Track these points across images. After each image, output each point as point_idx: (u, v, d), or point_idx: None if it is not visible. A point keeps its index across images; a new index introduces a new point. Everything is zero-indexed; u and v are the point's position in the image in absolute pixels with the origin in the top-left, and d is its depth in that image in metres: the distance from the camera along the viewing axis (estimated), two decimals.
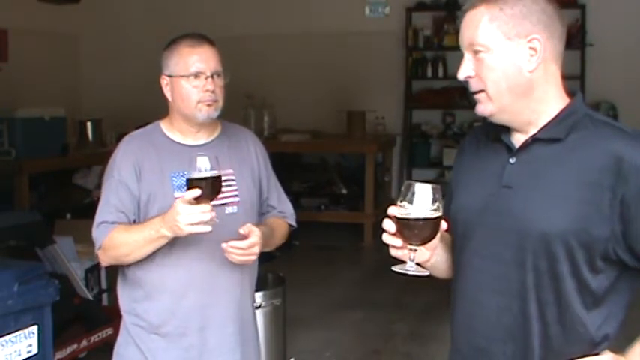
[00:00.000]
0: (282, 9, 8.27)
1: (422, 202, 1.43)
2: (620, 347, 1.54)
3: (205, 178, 1.90)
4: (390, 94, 8.15)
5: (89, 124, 6.93)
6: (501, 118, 1.55)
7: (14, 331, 2.96)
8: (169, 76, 2.16)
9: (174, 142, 2.17)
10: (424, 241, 1.46)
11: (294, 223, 2.41)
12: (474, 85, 1.54)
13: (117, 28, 8.43)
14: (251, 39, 8.13)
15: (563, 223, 1.46)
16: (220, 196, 2.09)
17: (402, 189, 1.45)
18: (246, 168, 2.26)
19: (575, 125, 1.51)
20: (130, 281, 2.21)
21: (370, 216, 7.29)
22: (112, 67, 8.37)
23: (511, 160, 1.55)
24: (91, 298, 4.28)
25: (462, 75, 1.54)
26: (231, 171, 2.18)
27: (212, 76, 2.12)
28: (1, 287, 2.92)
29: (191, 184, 1.90)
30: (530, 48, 1.49)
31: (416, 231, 1.44)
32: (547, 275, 1.49)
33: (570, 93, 1.59)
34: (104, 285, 4.79)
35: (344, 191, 7.72)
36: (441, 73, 8.02)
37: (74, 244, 4.53)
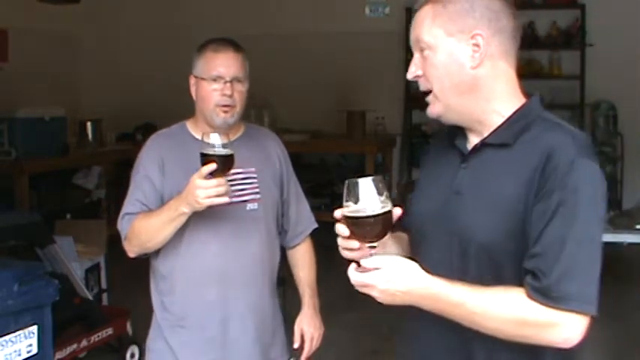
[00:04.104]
0: (282, 9, 8.27)
1: (369, 197, 1.38)
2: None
3: (219, 154, 1.99)
4: (390, 94, 8.15)
5: (89, 124, 6.93)
6: (451, 118, 1.52)
7: (14, 331, 2.96)
8: (195, 77, 2.27)
9: (199, 140, 2.22)
10: (381, 236, 1.42)
11: (314, 226, 2.52)
12: (422, 86, 1.52)
13: (117, 28, 8.43)
14: (251, 39, 8.05)
15: (506, 232, 1.42)
16: (241, 192, 2.21)
17: (345, 189, 1.40)
18: (268, 167, 2.35)
19: (524, 129, 1.47)
20: (159, 275, 2.29)
21: None
22: (112, 67, 8.37)
23: (463, 165, 1.52)
24: (91, 298, 4.28)
25: (409, 75, 1.52)
26: (253, 169, 2.27)
27: (231, 82, 2.21)
28: (1, 287, 2.92)
29: (206, 159, 1.98)
30: (474, 44, 1.46)
31: (372, 227, 1.39)
32: (492, 285, 1.42)
33: (528, 94, 1.54)
34: (104, 285, 4.79)
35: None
36: None
37: (74, 244, 4.53)
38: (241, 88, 2.24)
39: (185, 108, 2.46)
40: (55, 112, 6.23)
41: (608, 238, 4.63)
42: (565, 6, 7.69)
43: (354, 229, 1.41)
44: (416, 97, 8.17)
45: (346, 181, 1.40)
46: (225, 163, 1.99)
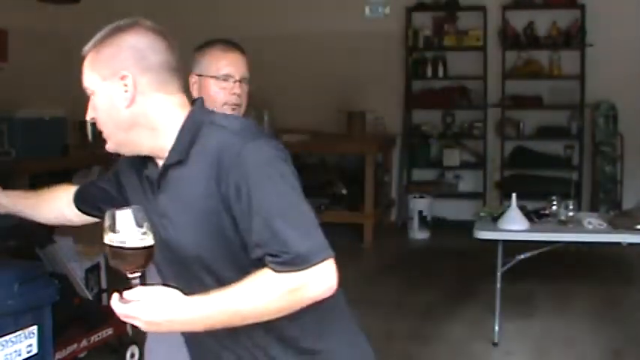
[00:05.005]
0: (281, 10, 8.27)
1: (128, 228, 1.39)
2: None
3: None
4: (390, 94, 8.15)
5: (89, 124, 6.90)
6: (127, 151, 1.62)
7: (14, 332, 2.96)
8: (199, 75, 2.26)
9: None
10: (141, 267, 1.42)
11: None
12: (97, 126, 1.63)
13: None
14: (251, 40, 8.06)
15: (211, 241, 1.49)
16: None
17: (106, 222, 1.40)
18: None
19: (193, 140, 1.53)
20: (156, 276, 2.27)
21: (370, 216, 7.29)
22: None
23: (157, 192, 1.58)
24: (91, 298, 4.28)
25: (88, 117, 1.64)
26: None
27: (240, 81, 2.24)
28: (1, 287, 2.91)
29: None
30: (124, 85, 1.54)
31: (132, 259, 1.40)
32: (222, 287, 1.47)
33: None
34: (104, 285, 4.79)
35: (344, 191, 7.71)
36: (441, 73, 8.01)
37: (74, 244, 4.52)
38: (246, 89, 2.28)
39: None
40: (55, 112, 6.23)
41: (608, 238, 4.62)
42: (565, 6, 7.69)
43: (114, 260, 1.41)
44: (416, 97, 8.19)
45: (107, 211, 1.41)
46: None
